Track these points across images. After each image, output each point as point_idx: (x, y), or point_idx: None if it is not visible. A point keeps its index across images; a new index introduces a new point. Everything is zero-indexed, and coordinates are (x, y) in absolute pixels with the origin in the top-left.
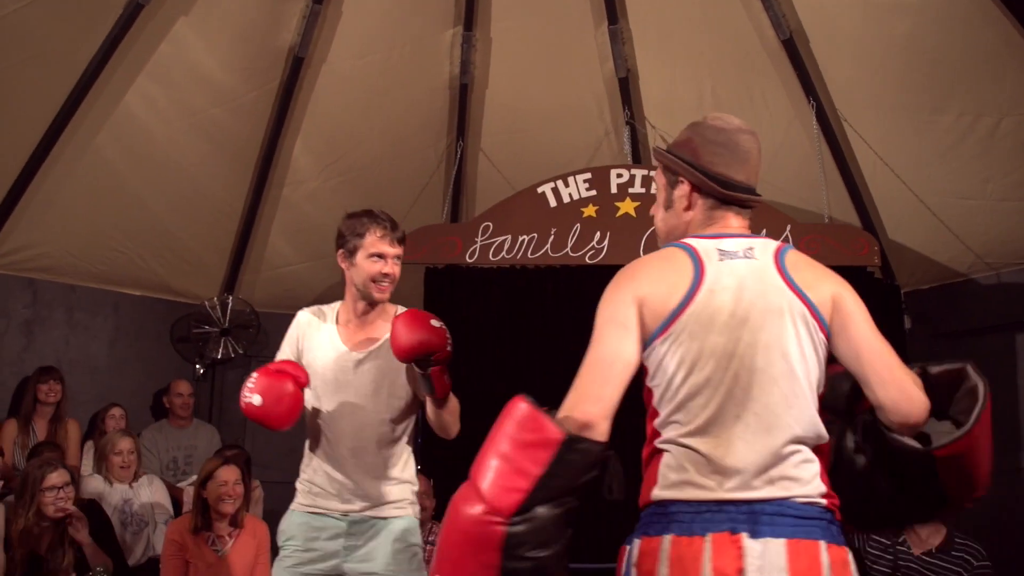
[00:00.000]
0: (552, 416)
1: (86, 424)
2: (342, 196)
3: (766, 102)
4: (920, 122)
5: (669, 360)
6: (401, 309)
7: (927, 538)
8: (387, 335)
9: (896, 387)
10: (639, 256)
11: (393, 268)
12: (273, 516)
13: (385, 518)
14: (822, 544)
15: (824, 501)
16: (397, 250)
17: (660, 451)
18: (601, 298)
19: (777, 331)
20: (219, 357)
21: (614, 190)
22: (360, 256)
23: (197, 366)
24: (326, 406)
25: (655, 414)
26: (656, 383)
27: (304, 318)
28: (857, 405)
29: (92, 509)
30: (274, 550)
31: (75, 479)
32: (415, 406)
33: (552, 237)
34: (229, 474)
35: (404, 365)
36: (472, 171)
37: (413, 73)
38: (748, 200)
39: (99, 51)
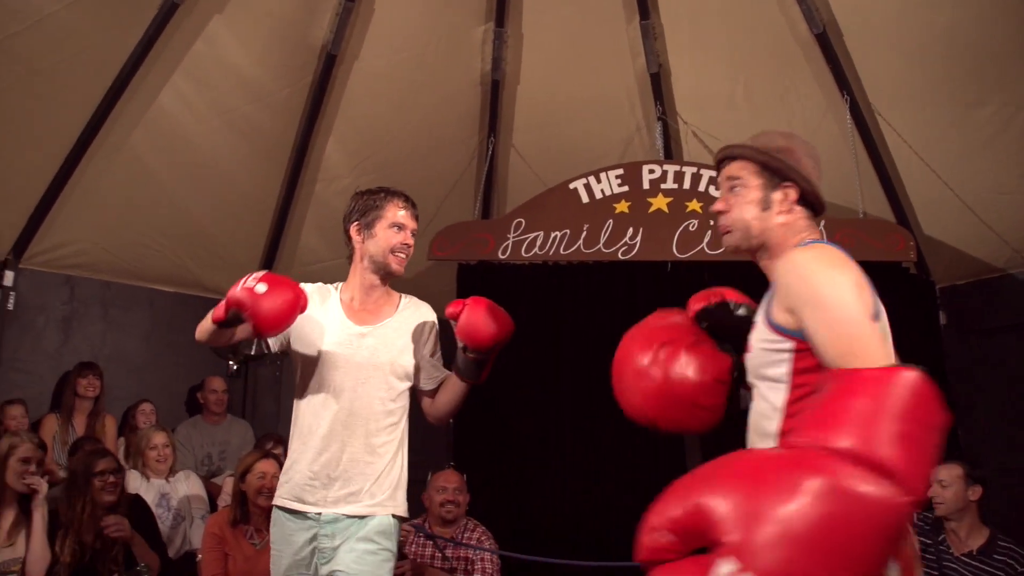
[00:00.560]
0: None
1: (119, 420)
2: None
3: (799, 96)
4: (956, 115)
5: None
6: (407, 300)
7: (966, 538)
8: (392, 316)
9: None
10: (671, 252)
11: (410, 240)
12: None
13: (362, 517)
14: None
15: None
16: (414, 225)
17: None
18: (837, 279)
19: None
20: (252, 353)
21: (646, 186)
22: (380, 226)
23: (230, 362)
24: (324, 380)
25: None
26: None
27: (307, 288)
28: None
29: (138, 505)
30: None
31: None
32: (408, 394)
33: (584, 233)
34: (268, 467)
35: (405, 346)
36: (504, 167)
37: (444, 70)
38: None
39: (135, 50)
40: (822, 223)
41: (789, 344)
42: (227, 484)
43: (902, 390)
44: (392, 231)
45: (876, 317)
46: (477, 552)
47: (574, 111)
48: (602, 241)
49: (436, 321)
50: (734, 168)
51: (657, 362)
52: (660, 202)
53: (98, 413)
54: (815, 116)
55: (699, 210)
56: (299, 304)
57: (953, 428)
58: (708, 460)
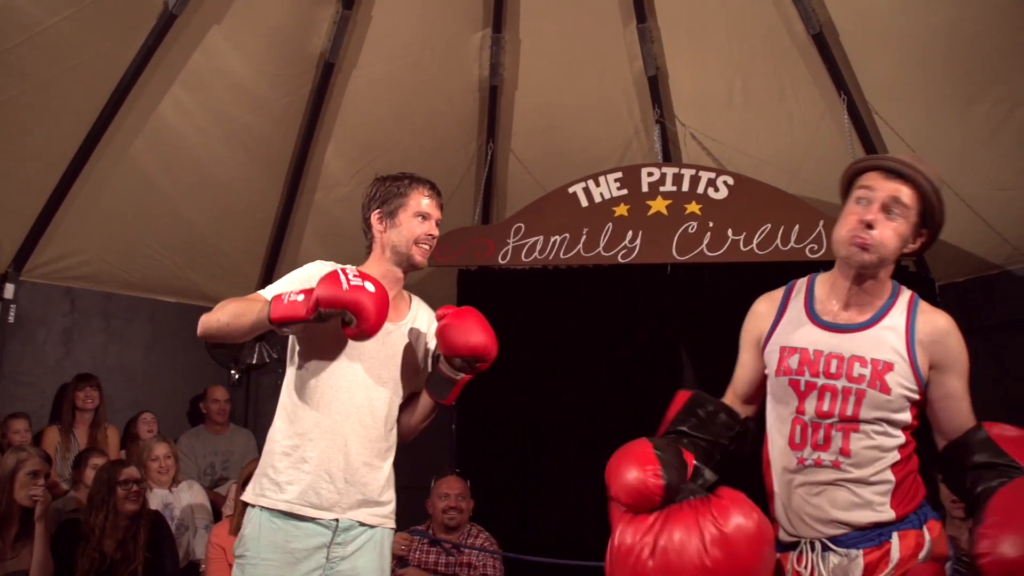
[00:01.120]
0: None
1: (122, 431)
2: None
3: (796, 97)
4: (953, 113)
5: None
6: (417, 300)
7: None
8: (408, 314)
9: None
10: (671, 255)
11: (435, 231)
12: None
13: (373, 527)
14: None
15: None
16: (439, 214)
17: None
18: None
19: None
20: (254, 362)
21: (645, 189)
22: (404, 215)
23: (232, 372)
24: (343, 374)
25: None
26: None
27: (323, 269)
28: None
29: (157, 520)
30: None
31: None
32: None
33: (584, 237)
34: None
35: (419, 347)
36: (503, 172)
37: (442, 76)
38: None
39: (134, 61)
40: (821, 221)
41: (918, 397)
42: (232, 492)
43: None
44: (416, 220)
45: None
46: (480, 558)
47: (572, 115)
48: (602, 244)
49: None
50: (905, 193)
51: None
52: (659, 204)
53: (99, 424)
54: (813, 116)
55: (698, 212)
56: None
57: None
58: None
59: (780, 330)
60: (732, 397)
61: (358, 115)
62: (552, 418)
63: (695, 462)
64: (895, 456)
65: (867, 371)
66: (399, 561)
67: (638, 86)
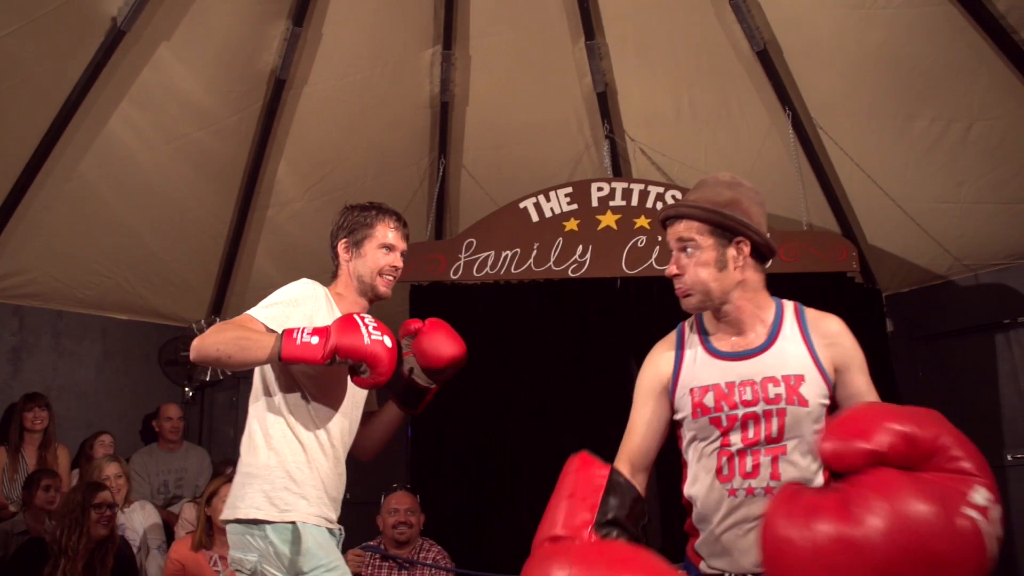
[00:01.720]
0: None
1: (75, 450)
2: (326, 216)
3: (743, 112)
4: (894, 128)
5: None
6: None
7: None
8: None
9: None
10: (621, 268)
11: (400, 262)
12: None
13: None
14: None
15: None
16: (404, 245)
17: None
18: None
19: None
20: (207, 379)
21: (595, 203)
22: (369, 246)
23: (186, 388)
24: (326, 400)
25: None
26: None
27: (315, 291)
28: None
29: (123, 544)
30: None
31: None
32: None
33: (535, 252)
34: None
35: None
36: (455, 188)
37: (394, 92)
38: None
39: (82, 77)
40: (768, 235)
41: (829, 403)
42: (186, 511)
43: None
44: (381, 252)
45: None
46: (434, 573)
47: (523, 131)
48: (552, 259)
49: None
50: (683, 229)
51: None
52: (609, 219)
53: (48, 444)
54: (759, 131)
55: (647, 226)
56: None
57: None
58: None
59: (685, 373)
60: (626, 466)
61: (310, 131)
62: (505, 432)
63: None
64: (820, 481)
65: (781, 389)
66: None
67: (588, 102)
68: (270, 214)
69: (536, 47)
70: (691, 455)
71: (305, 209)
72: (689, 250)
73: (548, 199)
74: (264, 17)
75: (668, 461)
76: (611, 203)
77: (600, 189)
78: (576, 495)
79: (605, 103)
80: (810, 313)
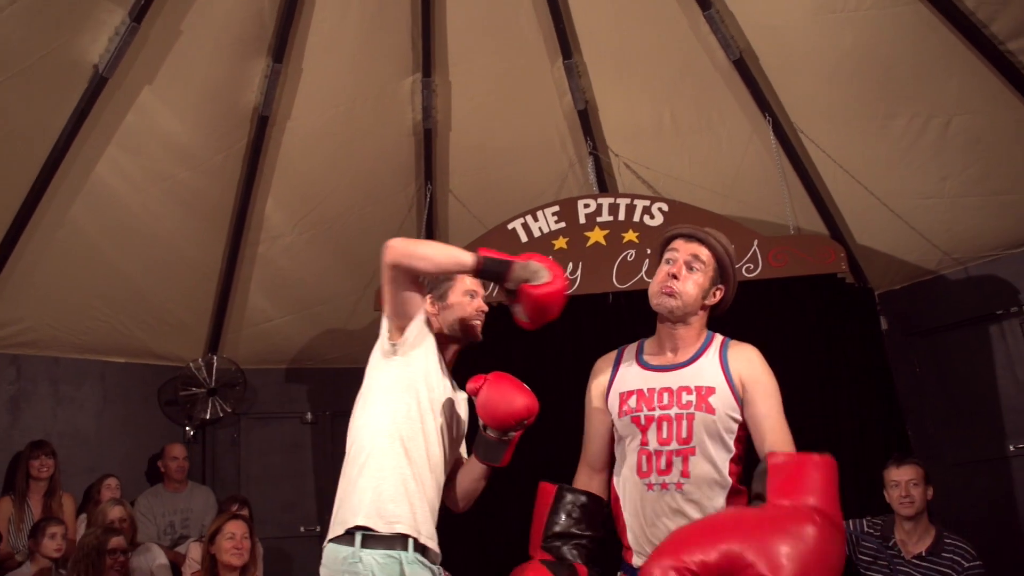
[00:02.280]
0: None
1: (80, 496)
2: (317, 248)
3: (724, 121)
4: (874, 128)
5: None
6: None
7: (917, 541)
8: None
9: None
10: (612, 283)
11: (485, 306)
12: (272, 572)
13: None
14: None
15: None
16: (484, 291)
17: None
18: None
19: None
20: (208, 417)
21: (583, 220)
22: (453, 296)
23: (187, 428)
24: (435, 430)
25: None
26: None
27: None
28: None
29: None
30: None
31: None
32: None
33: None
34: (237, 528)
35: (462, 421)
36: (443, 213)
37: (377, 123)
38: None
39: (67, 125)
40: (755, 241)
41: (739, 417)
42: (192, 551)
43: (832, 469)
44: (466, 299)
45: None
46: None
47: (507, 153)
48: None
49: None
50: (702, 252)
51: None
52: (597, 235)
53: (54, 492)
54: (741, 139)
55: (636, 240)
56: None
57: (903, 430)
58: None
59: (617, 380)
60: (587, 471)
61: (296, 166)
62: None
63: (587, 571)
64: (728, 482)
65: (693, 397)
66: None
67: (569, 120)
68: (261, 249)
69: (515, 69)
70: (618, 454)
71: (296, 242)
72: (695, 269)
73: (536, 219)
74: (244, 56)
75: None
76: (598, 219)
77: (587, 206)
78: (534, 523)
79: (587, 120)
80: (732, 343)
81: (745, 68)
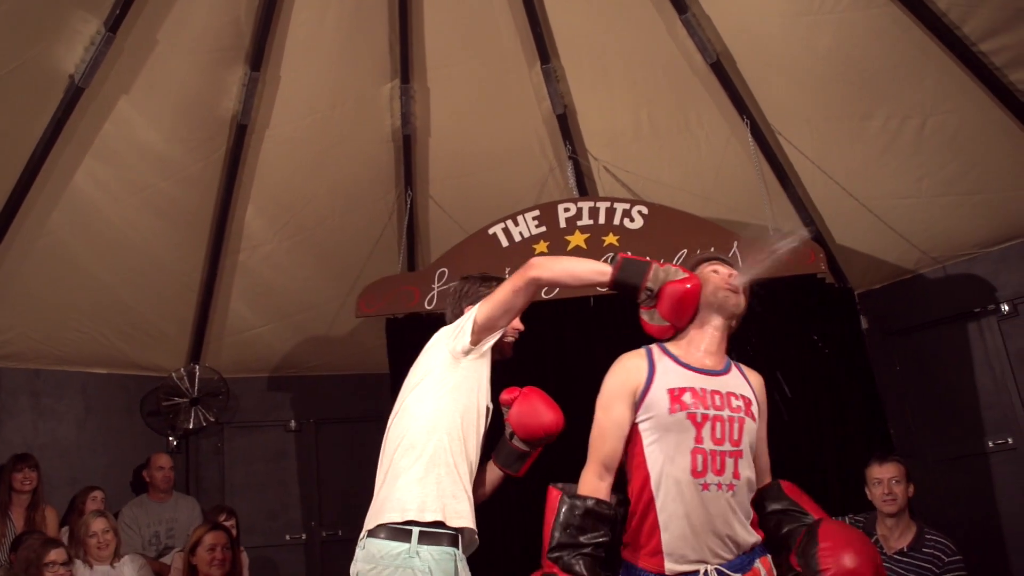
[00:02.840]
0: None
1: (63, 508)
2: (298, 255)
3: (702, 124)
4: (850, 129)
5: None
6: None
7: (899, 537)
8: None
9: None
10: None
11: (521, 326)
12: None
13: None
14: None
15: None
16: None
17: None
18: None
19: None
20: (191, 427)
21: (563, 224)
22: None
23: (170, 438)
24: (479, 436)
25: None
26: None
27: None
28: None
29: None
30: None
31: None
32: None
33: (507, 276)
34: (217, 539)
35: None
36: (424, 219)
37: (356, 129)
38: None
39: (44, 135)
40: (735, 242)
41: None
42: (177, 561)
43: None
44: None
45: None
46: None
47: (487, 158)
48: None
49: None
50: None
51: None
52: (578, 239)
53: (36, 505)
54: (719, 141)
55: (616, 243)
56: None
57: (884, 428)
58: None
59: (660, 377)
60: (599, 471)
61: (275, 174)
62: (485, 452)
63: None
64: (755, 488)
65: (740, 403)
66: None
67: (548, 125)
68: (242, 258)
69: (493, 74)
70: (657, 455)
71: (276, 250)
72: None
73: (516, 223)
74: (221, 64)
75: None
76: (579, 223)
77: (567, 210)
78: (544, 531)
79: (566, 124)
80: (742, 364)
81: (722, 71)
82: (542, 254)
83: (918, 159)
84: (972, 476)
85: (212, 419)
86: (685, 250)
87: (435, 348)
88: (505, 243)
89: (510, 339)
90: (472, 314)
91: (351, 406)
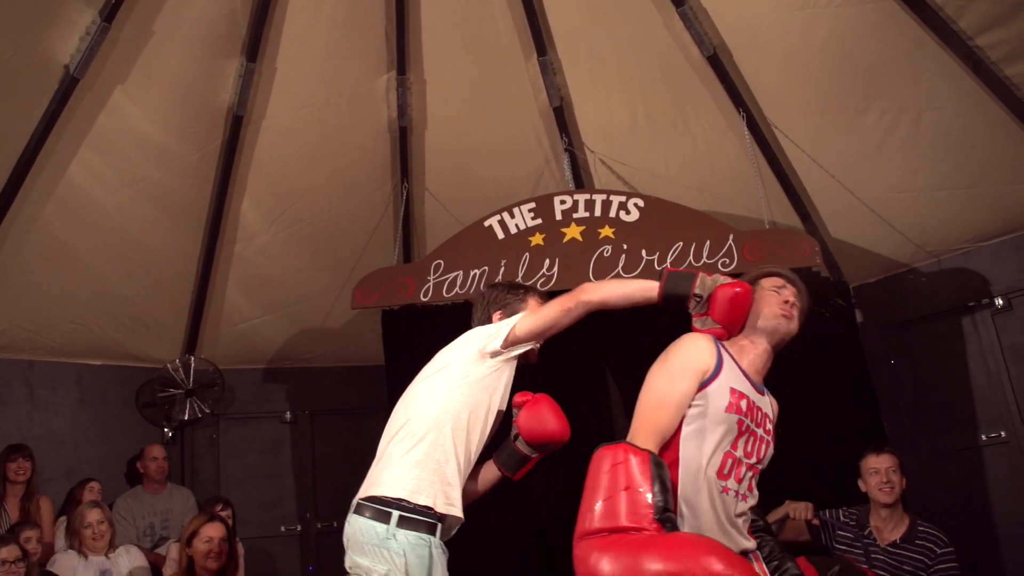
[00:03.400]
0: None
1: (59, 499)
2: (294, 247)
3: (698, 117)
4: (846, 123)
5: None
6: None
7: (892, 529)
8: None
9: None
10: (589, 278)
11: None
12: (253, 572)
13: None
14: None
15: None
16: None
17: None
18: None
19: None
20: (186, 419)
21: (559, 216)
22: None
23: (165, 429)
24: (483, 437)
25: None
26: None
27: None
28: None
29: None
30: None
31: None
32: None
33: (503, 268)
34: (214, 531)
35: None
36: (420, 211)
37: (352, 121)
38: None
39: (39, 126)
40: (731, 235)
41: None
42: (172, 551)
43: None
44: None
45: None
46: None
47: (483, 150)
48: (520, 275)
49: None
50: (800, 301)
51: None
52: (573, 231)
53: (31, 496)
54: (715, 134)
55: (612, 236)
56: None
57: (878, 421)
58: None
59: (726, 372)
60: (655, 441)
61: (271, 165)
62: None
63: None
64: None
65: (770, 427)
66: None
67: (544, 117)
68: (237, 249)
69: (490, 66)
70: (692, 448)
71: (272, 242)
72: (792, 306)
73: (512, 215)
74: (217, 55)
75: None
76: (575, 215)
77: (563, 202)
78: (632, 487)
79: (562, 117)
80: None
81: (719, 64)
82: (537, 247)
83: (914, 153)
84: (965, 469)
85: (207, 410)
86: (681, 243)
87: (463, 344)
88: (501, 235)
89: (537, 346)
90: (513, 322)
91: (346, 398)
